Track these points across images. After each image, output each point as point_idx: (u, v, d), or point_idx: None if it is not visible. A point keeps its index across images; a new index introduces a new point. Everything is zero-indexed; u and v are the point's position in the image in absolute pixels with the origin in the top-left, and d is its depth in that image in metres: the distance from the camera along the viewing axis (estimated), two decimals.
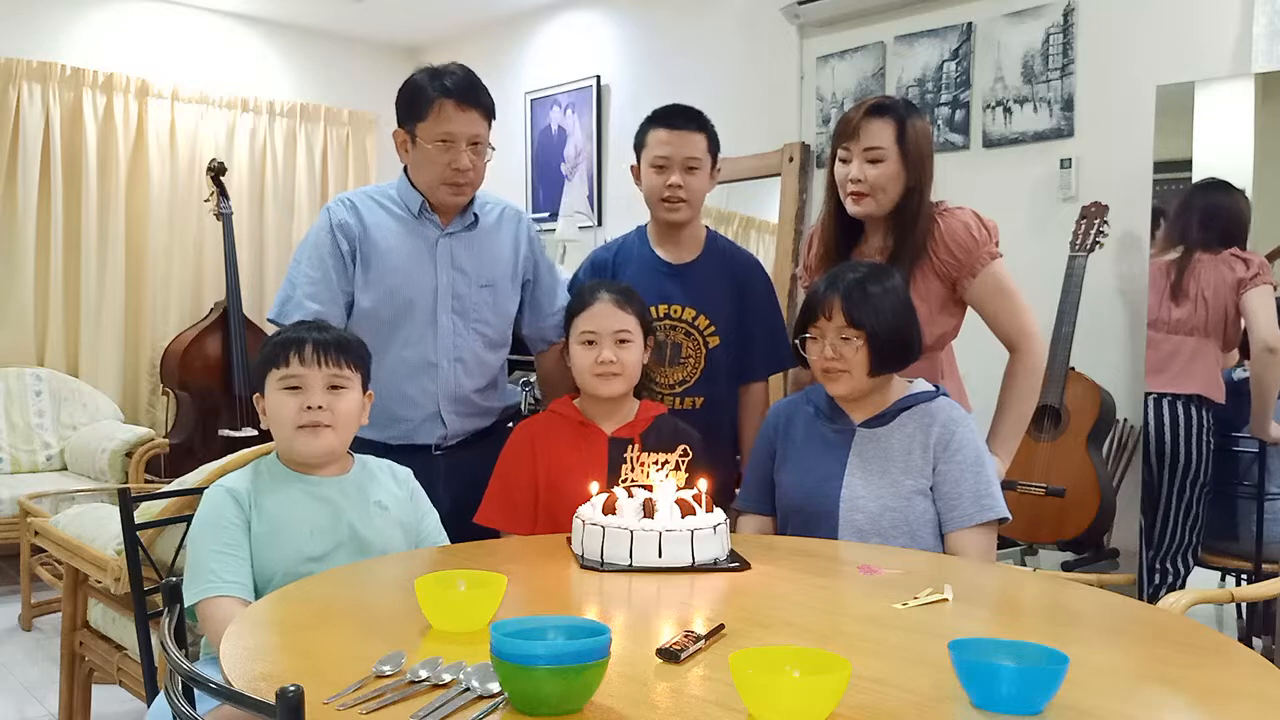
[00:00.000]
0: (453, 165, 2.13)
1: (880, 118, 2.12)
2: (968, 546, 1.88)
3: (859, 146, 2.13)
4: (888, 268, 2.02)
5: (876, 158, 2.11)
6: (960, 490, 1.89)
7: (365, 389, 1.84)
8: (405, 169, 2.24)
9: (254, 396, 1.84)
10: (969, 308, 2.21)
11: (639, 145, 2.43)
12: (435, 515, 1.92)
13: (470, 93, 2.14)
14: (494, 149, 2.22)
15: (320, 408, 1.73)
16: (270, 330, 2.21)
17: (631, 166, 2.48)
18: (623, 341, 2.06)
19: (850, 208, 2.16)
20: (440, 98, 2.11)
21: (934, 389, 1.99)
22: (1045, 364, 2.19)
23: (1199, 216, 2.91)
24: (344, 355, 1.78)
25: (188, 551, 1.70)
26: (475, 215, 2.26)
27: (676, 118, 2.38)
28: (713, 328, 2.37)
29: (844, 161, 2.16)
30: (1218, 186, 2.90)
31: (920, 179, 2.13)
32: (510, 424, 2.48)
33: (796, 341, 2.00)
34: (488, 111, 2.18)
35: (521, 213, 2.39)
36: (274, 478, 1.77)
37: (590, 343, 2.05)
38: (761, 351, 2.45)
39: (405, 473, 1.92)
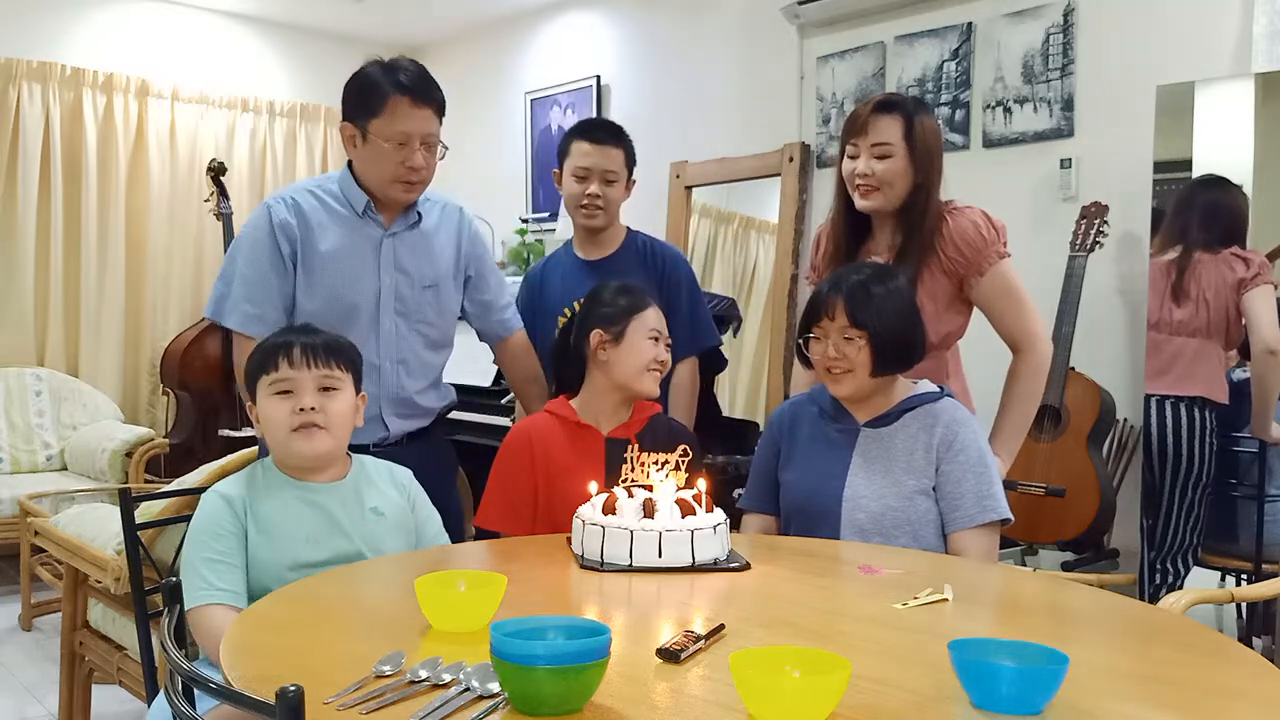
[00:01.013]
0: (407, 164, 2.10)
1: (888, 114, 2.14)
2: (969, 547, 1.88)
3: (867, 142, 2.14)
4: (893, 268, 2.03)
5: (884, 153, 2.12)
6: (963, 490, 1.89)
7: (358, 391, 1.82)
8: (350, 163, 2.20)
9: (247, 406, 1.82)
10: (975, 308, 2.22)
11: (562, 154, 2.58)
12: (438, 519, 1.91)
13: (425, 90, 2.10)
14: (447, 148, 2.20)
15: (313, 409, 1.72)
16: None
17: (554, 172, 2.64)
18: (667, 344, 2.15)
19: (858, 202, 2.17)
20: (395, 94, 2.07)
21: (939, 390, 2.00)
22: (1049, 366, 2.19)
23: (1199, 216, 2.91)
24: (334, 356, 1.76)
25: (182, 556, 1.70)
26: (419, 214, 2.24)
27: (599, 131, 2.56)
28: None
29: (852, 157, 2.17)
30: (1216, 183, 2.90)
31: (928, 176, 2.14)
32: (509, 421, 2.48)
33: (800, 341, 2.00)
34: (441, 108, 2.15)
35: (462, 209, 2.37)
36: (270, 484, 1.75)
37: (655, 339, 2.11)
38: (681, 334, 2.54)
39: (406, 475, 1.90)
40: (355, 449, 2.02)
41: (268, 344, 1.78)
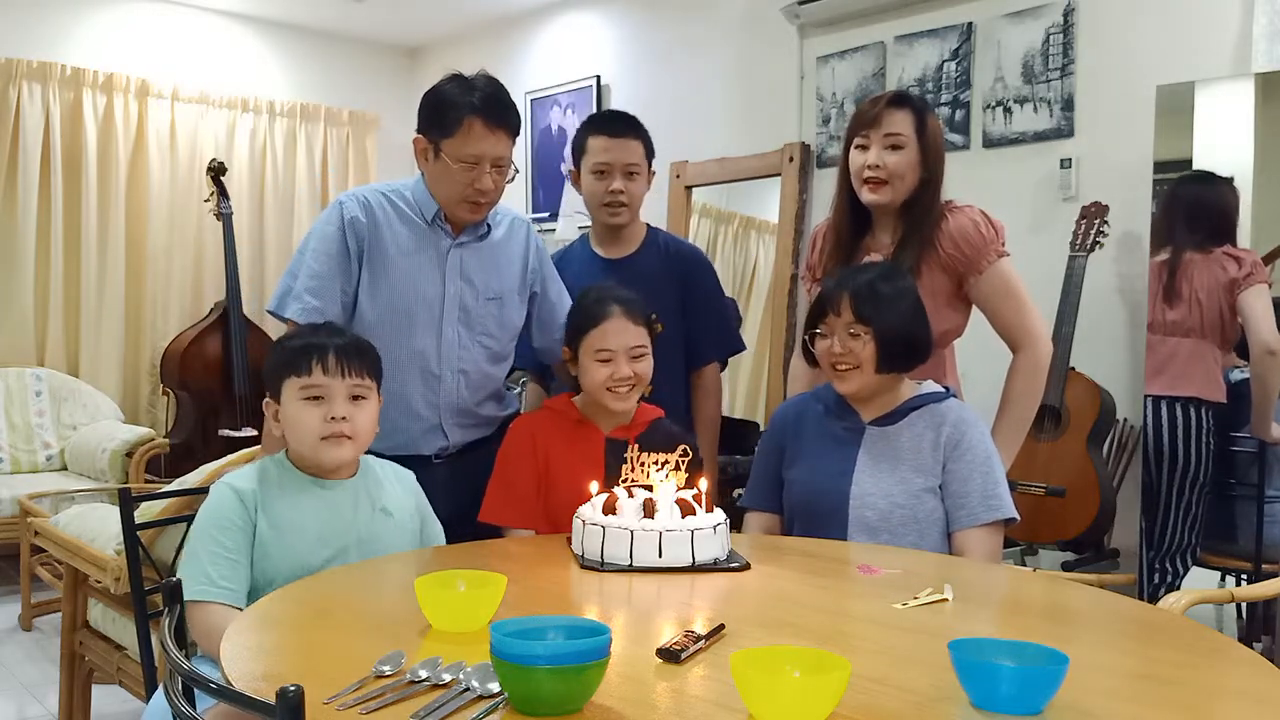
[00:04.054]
0: (475, 185, 2.08)
1: (900, 108, 2.16)
2: (974, 546, 1.88)
3: (879, 134, 2.14)
4: (899, 268, 2.04)
5: (897, 144, 2.14)
6: (969, 489, 1.90)
7: (378, 396, 1.82)
8: (423, 174, 2.18)
9: (264, 401, 1.80)
10: (974, 307, 2.22)
11: (578, 150, 2.50)
12: (439, 526, 1.91)
13: (500, 112, 2.07)
14: (518, 170, 2.16)
15: (343, 419, 1.71)
16: (272, 324, 2.19)
17: (570, 171, 2.56)
18: (637, 356, 2.03)
19: (865, 195, 2.17)
20: (469, 116, 2.03)
21: (944, 390, 2.00)
22: (1048, 364, 2.19)
23: (1184, 214, 2.91)
24: (363, 364, 1.76)
25: (187, 544, 1.69)
26: (488, 226, 2.22)
27: (615, 123, 2.48)
28: (654, 316, 2.39)
29: (862, 149, 2.17)
30: (1199, 180, 2.90)
31: (935, 172, 2.16)
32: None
33: (805, 338, 2.00)
34: (514, 130, 2.11)
35: (529, 223, 2.36)
36: (283, 480, 1.74)
37: (606, 360, 2.00)
38: (708, 336, 2.52)
39: (409, 477, 1.90)
40: (417, 460, 2.03)
41: (298, 343, 1.76)
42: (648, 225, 2.60)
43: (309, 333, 1.81)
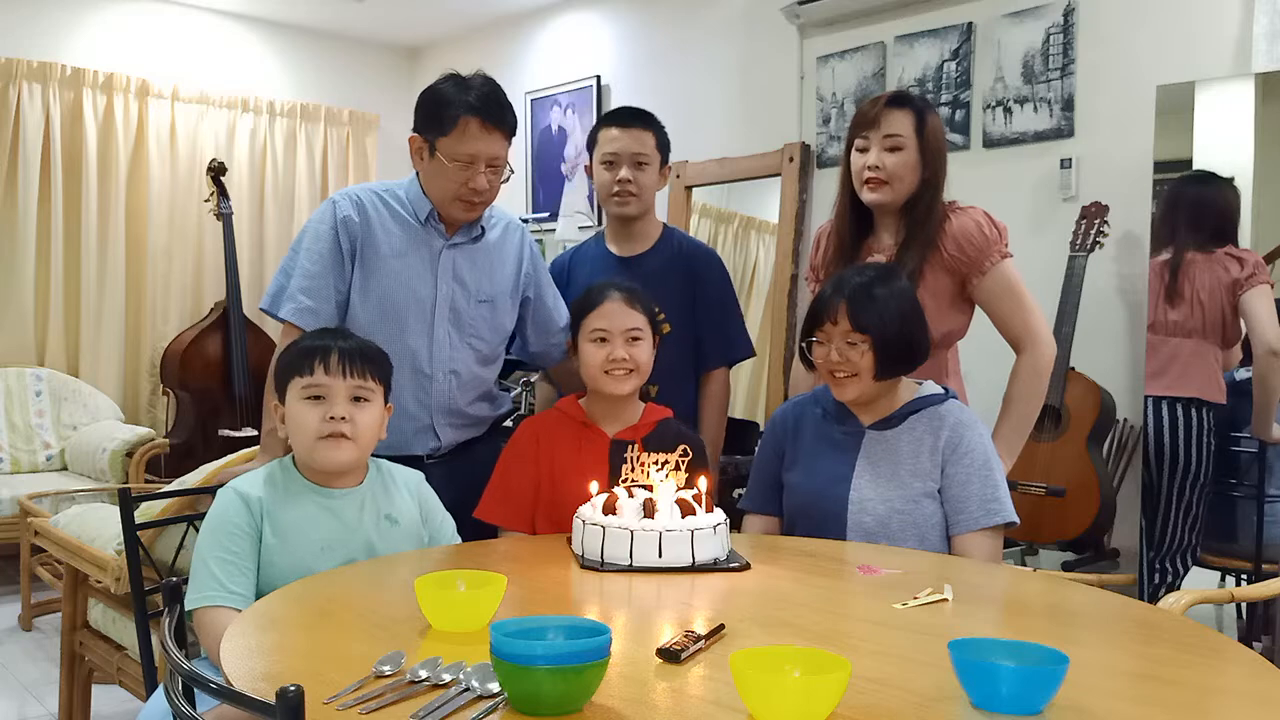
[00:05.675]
0: (469, 185, 2.08)
1: (900, 108, 2.15)
2: (974, 550, 1.88)
3: (878, 135, 2.14)
4: (895, 270, 2.02)
5: (896, 145, 2.13)
6: (968, 494, 1.89)
7: (386, 401, 1.82)
8: (418, 174, 2.18)
9: (273, 404, 1.80)
10: (977, 308, 2.22)
11: (591, 145, 2.52)
12: (451, 524, 1.91)
13: (496, 112, 2.07)
14: (513, 171, 2.16)
15: (343, 418, 1.71)
16: (272, 324, 2.19)
17: (585, 166, 2.58)
18: (634, 339, 2.04)
19: (865, 196, 2.17)
20: (465, 115, 2.04)
21: (943, 391, 1.99)
22: (1051, 366, 2.19)
23: (1185, 215, 2.91)
24: (368, 366, 1.76)
25: (194, 551, 1.70)
26: (482, 228, 2.22)
27: (626, 115, 2.50)
28: (661, 315, 2.39)
29: (861, 151, 2.17)
30: (1200, 180, 2.90)
31: (935, 173, 2.15)
32: (509, 423, 2.47)
33: (803, 345, 2.00)
34: (511, 131, 2.11)
35: (524, 227, 2.36)
36: (289, 487, 1.74)
37: (602, 340, 2.03)
38: (716, 341, 2.51)
39: (416, 478, 1.89)
40: (410, 460, 2.02)
41: (303, 345, 1.77)
42: (664, 224, 2.59)
43: (316, 336, 1.81)
